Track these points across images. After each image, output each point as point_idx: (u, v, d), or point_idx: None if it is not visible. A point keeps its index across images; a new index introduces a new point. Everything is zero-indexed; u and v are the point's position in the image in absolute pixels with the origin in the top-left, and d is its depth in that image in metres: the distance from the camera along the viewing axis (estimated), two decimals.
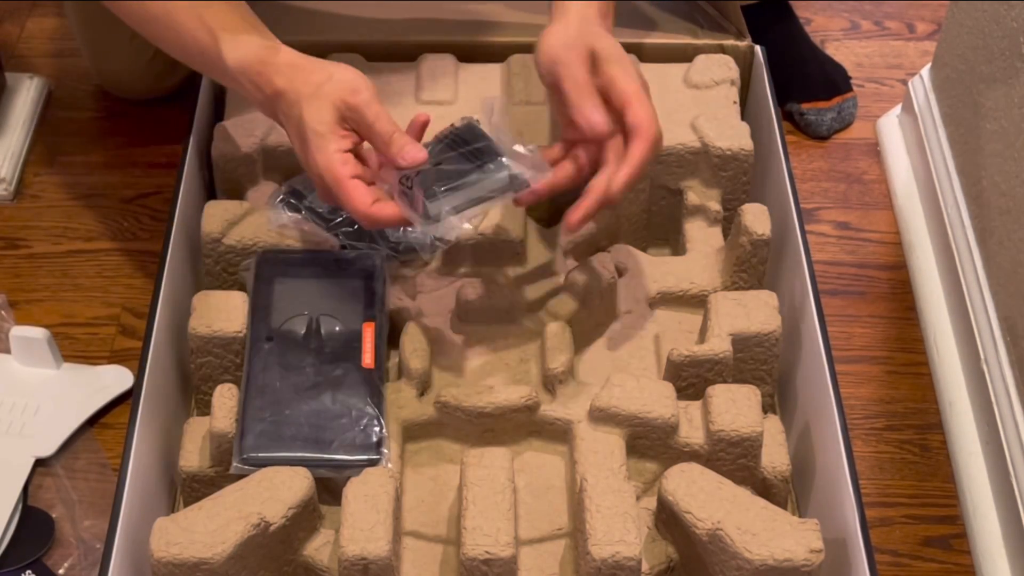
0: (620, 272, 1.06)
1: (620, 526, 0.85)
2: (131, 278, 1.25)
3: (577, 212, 0.92)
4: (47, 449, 1.10)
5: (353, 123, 0.90)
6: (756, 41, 1.20)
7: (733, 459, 0.93)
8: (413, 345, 0.97)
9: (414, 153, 0.89)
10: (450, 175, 0.91)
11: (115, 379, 1.16)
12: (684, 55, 1.18)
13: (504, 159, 0.92)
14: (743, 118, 1.14)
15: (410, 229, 1.02)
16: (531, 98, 1.14)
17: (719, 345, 0.97)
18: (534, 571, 0.89)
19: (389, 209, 0.90)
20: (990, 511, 1.07)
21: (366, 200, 0.89)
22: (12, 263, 1.27)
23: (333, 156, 0.89)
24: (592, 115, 0.92)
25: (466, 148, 0.93)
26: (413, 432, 0.96)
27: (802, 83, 1.40)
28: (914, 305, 1.25)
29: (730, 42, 1.19)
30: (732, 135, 1.09)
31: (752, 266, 1.04)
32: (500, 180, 0.91)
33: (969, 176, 1.20)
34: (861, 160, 1.38)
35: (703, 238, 1.10)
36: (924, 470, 1.13)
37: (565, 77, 0.93)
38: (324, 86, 0.90)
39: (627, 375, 0.95)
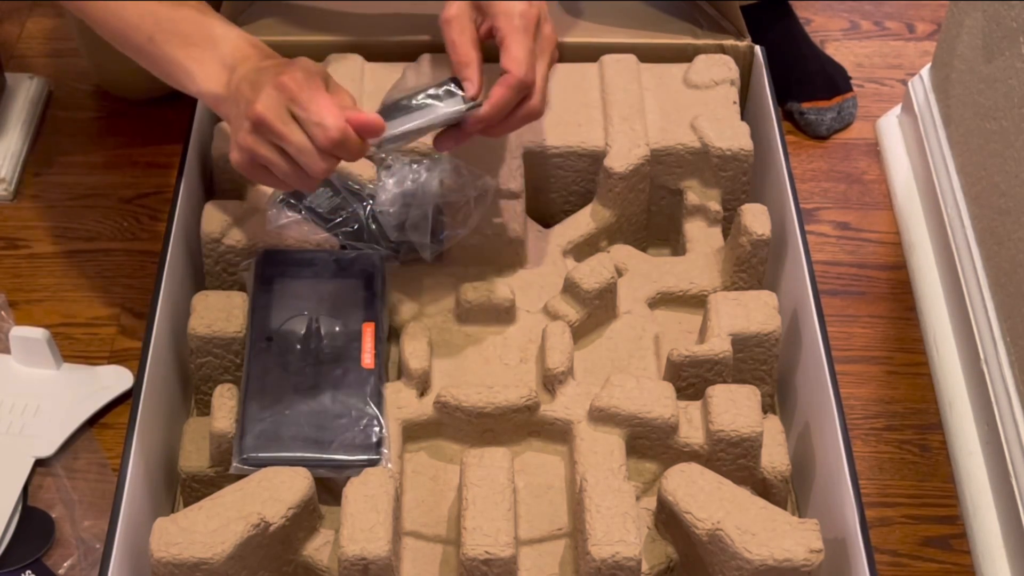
0: (620, 272, 1.06)
1: (620, 526, 0.85)
2: (131, 278, 1.25)
3: (447, 141, 0.93)
4: (47, 449, 1.10)
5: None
6: (756, 41, 1.20)
7: (733, 459, 0.93)
8: (413, 345, 0.97)
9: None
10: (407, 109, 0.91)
11: (115, 379, 1.16)
12: (684, 55, 1.18)
13: (459, 91, 0.91)
14: (743, 118, 1.14)
15: (410, 229, 1.03)
16: None
17: (719, 345, 0.97)
18: (534, 571, 0.89)
19: (364, 115, 0.86)
20: (990, 511, 1.07)
21: (337, 109, 0.85)
22: (12, 263, 1.27)
23: (313, 74, 0.86)
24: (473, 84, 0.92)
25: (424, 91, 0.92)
26: (413, 432, 0.96)
27: (802, 82, 1.40)
28: (914, 305, 1.25)
29: (730, 42, 1.19)
30: (732, 135, 1.09)
31: (752, 266, 1.04)
32: (453, 105, 0.91)
33: (969, 176, 1.20)
34: (861, 160, 1.38)
35: (703, 238, 1.10)
36: (924, 470, 1.13)
37: (446, 39, 0.93)
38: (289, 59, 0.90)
39: (627, 375, 0.95)
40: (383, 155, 0.94)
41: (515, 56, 0.90)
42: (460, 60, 0.92)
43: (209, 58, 0.92)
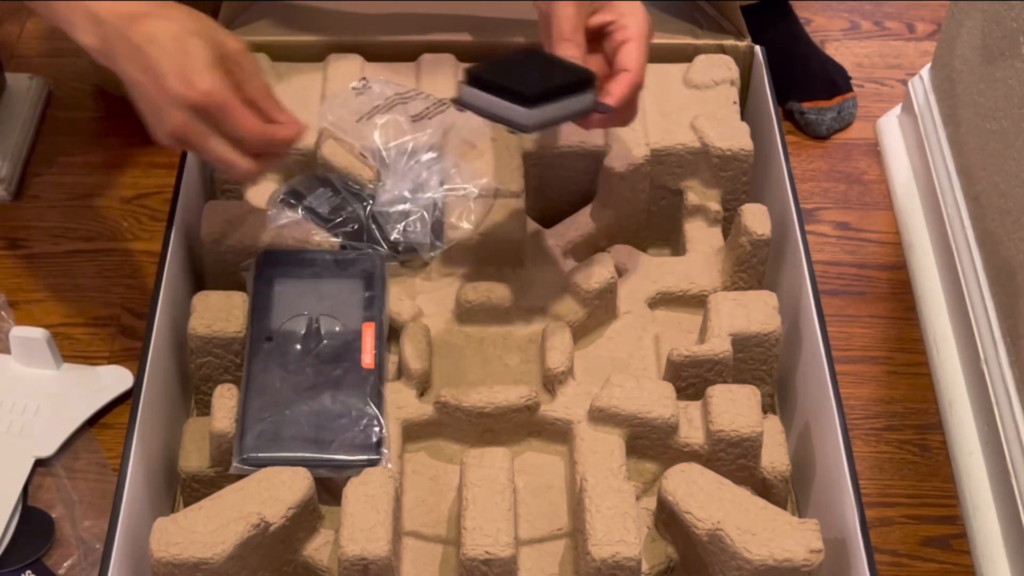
0: (620, 272, 1.06)
1: (620, 526, 0.85)
2: (131, 278, 1.25)
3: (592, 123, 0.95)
4: (47, 449, 1.10)
5: (232, 66, 0.88)
6: (756, 41, 1.20)
7: (733, 459, 0.93)
8: (413, 345, 0.97)
9: (293, 119, 0.91)
10: (534, 83, 0.90)
11: (115, 379, 1.16)
12: (684, 55, 1.18)
13: (590, 84, 0.92)
14: (743, 118, 1.14)
15: (410, 229, 1.03)
16: None
17: (719, 345, 0.97)
18: (534, 571, 0.89)
19: (284, 130, 0.90)
20: (990, 511, 1.07)
21: (257, 120, 0.87)
22: (12, 263, 1.27)
23: (218, 79, 0.86)
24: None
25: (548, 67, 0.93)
26: (413, 432, 0.96)
27: (803, 82, 1.40)
28: (914, 305, 1.25)
29: (730, 42, 1.19)
30: (732, 135, 1.09)
31: (752, 266, 1.04)
32: (586, 102, 0.92)
33: (969, 176, 1.20)
34: (861, 160, 1.38)
35: (703, 238, 1.10)
36: (924, 470, 1.13)
37: (557, 15, 0.94)
38: (203, 22, 0.88)
39: (627, 375, 0.95)
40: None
41: (638, 60, 0.93)
42: (572, 51, 0.94)
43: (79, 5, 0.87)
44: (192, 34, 0.87)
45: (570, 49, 0.93)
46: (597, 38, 0.96)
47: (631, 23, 0.94)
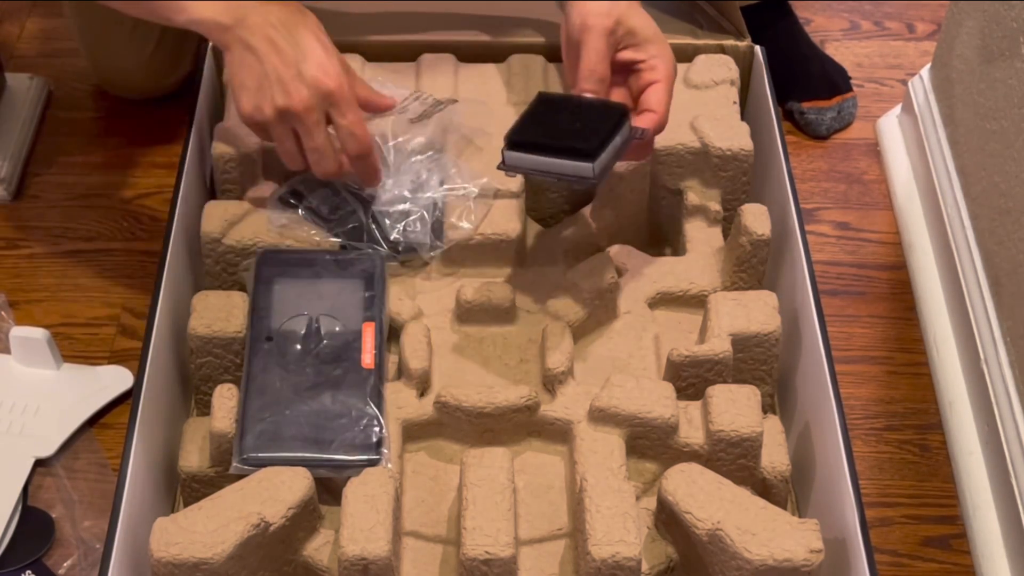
0: (620, 272, 1.06)
1: (620, 526, 0.85)
2: (131, 278, 1.25)
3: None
4: (47, 449, 1.10)
5: (345, 68, 0.96)
6: (756, 41, 1.20)
7: (733, 459, 0.93)
8: (413, 345, 0.97)
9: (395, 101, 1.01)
10: (586, 135, 0.92)
11: (115, 379, 1.16)
12: (684, 55, 1.18)
13: (627, 116, 0.94)
14: (743, 118, 1.14)
15: (410, 229, 1.03)
16: (531, 98, 1.13)
17: (719, 345, 0.97)
18: (534, 571, 0.89)
19: (376, 160, 0.99)
20: (990, 511, 1.07)
21: (365, 125, 0.95)
22: (12, 263, 1.27)
23: (345, 76, 0.94)
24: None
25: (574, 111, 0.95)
26: (413, 432, 0.96)
27: (803, 82, 1.40)
28: (914, 305, 1.25)
29: (730, 42, 1.19)
30: (732, 135, 1.09)
31: (752, 266, 1.04)
32: (626, 134, 0.94)
33: (969, 176, 1.20)
34: (861, 160, 1.38)
35: (703, 238, 1.10)
36: (924, 470, 1.13)
37: (587, 45, 0.95)
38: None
39: (627, 375, 0.95)
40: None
41: (665, 103, 0.97)
42: (594, 85, 0.96)
43: None
44: (325, 33, 0.96)
45: (595, 83, 0.96)
46: (622, 71, 0.97)
47: (661, 65, 0.97)
